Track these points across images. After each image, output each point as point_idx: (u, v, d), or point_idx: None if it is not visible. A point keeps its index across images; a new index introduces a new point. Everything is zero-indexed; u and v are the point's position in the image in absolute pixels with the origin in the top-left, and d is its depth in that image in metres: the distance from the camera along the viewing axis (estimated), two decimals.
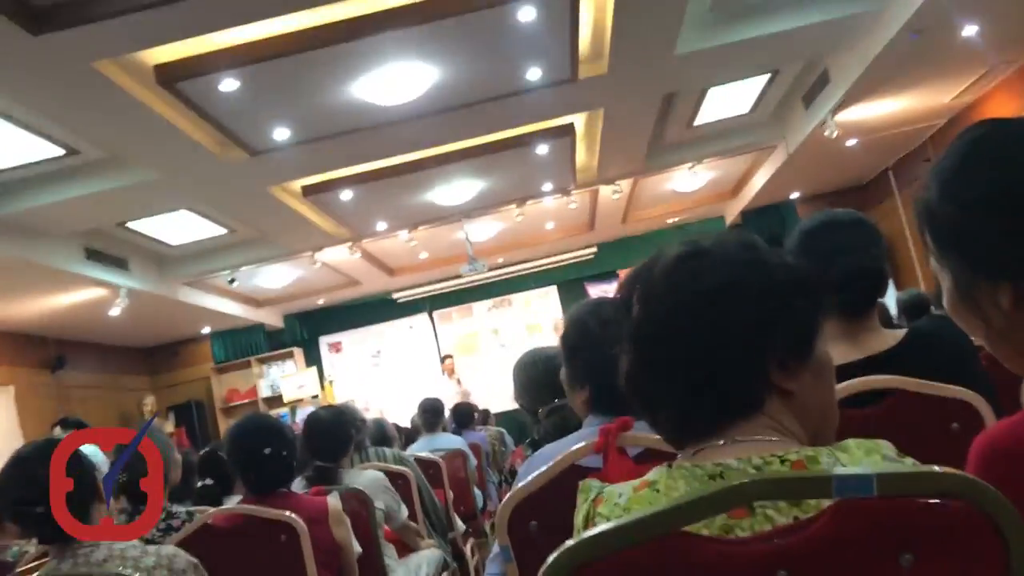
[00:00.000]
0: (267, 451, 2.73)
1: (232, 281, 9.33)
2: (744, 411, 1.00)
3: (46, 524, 1.94)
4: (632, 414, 1.80)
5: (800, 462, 0.91)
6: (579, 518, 1.04)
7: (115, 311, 8.28)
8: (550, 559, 0.82)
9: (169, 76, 4.96)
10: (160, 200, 6.82)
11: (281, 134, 6.03)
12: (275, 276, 10.23)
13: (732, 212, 11.26)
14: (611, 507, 0.99)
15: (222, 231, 8.16)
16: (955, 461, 0.86)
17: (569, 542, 0.82)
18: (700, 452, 1.00)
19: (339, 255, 9.68)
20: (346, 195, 7.70)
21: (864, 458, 0.94)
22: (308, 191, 7.50)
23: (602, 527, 0.81)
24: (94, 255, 7.51)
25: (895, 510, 0.79)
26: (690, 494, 0.81)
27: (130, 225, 7.48)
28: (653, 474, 0.99)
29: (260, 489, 2.76)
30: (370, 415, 11.06)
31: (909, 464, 0.93)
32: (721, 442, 0.98)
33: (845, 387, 1.68)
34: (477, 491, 5.76)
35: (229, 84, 5.15)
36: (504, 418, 10.59)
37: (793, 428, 1.01)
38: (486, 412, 10.04)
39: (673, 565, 0.78)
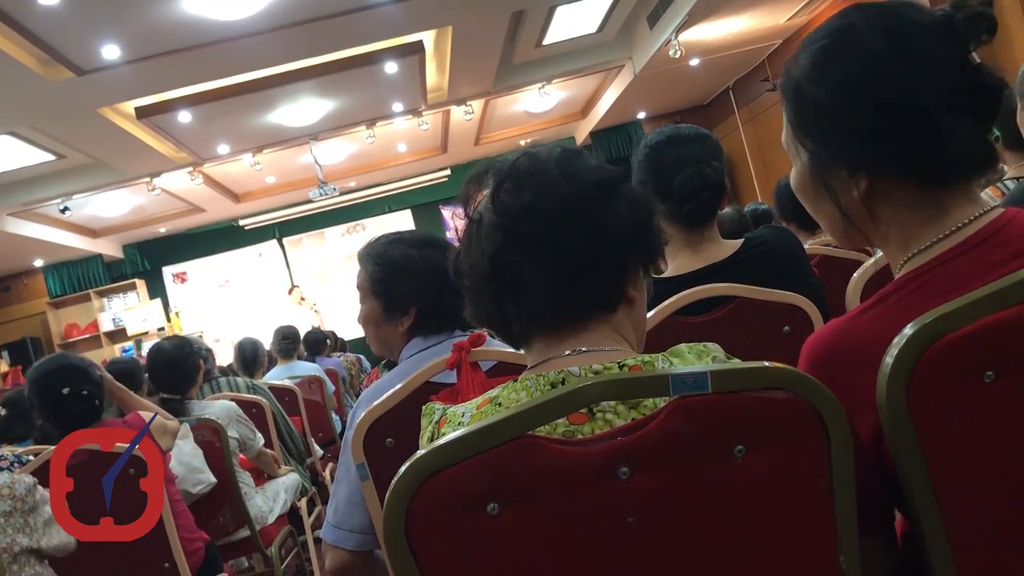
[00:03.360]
0: (65, 391, 2.60)
1: (65, 210, 8.77)
2: (607, 308, 1.03)
3: None
4: (461, 326, 1.83)
5: (637, 366, 0.95)
6: (424, 440, 1.04)
7: None
8: (400, 470, 0.82)
9: None
10: None
11: (111, 51, 5.64)
12: (112, 204, 9.69)
13: (582, 132, 11.39)
14: (455, 427, 0.99)
15: (50, 157, 7.62)
16: (787, 360, 0.90)
17: (418, 453, 0.83)
18: (544, 363, 1.02)
19: (180, 181, 9.23)
20: (184, 117, 7.33)
21: (696, 361, 0.99)
22: (142, 113, 7.07)
23: (449, 436, 0.81)
24: None
25: (728, 404, 0.83)
26: (534, 399, 0.82)
27: None
28: (495, 391, 1.00)
29: (60, 429, 2.63)
30: (221, 346, 10.88)
31: (737, 363, 0.98)
32: (567, 352, 1.01)
33: (685, 295, 1.74)
34: (336, 416, 5.77)
35: None
36: (359, 343, 10.53)
37: (629, 337, 1.06)
38: (342, 340, 9.97)
39: (519, 465, 0.80)
